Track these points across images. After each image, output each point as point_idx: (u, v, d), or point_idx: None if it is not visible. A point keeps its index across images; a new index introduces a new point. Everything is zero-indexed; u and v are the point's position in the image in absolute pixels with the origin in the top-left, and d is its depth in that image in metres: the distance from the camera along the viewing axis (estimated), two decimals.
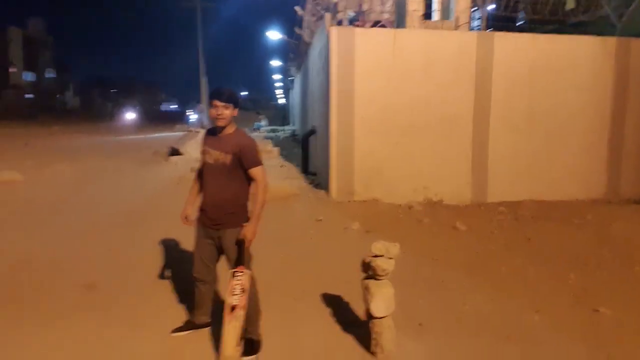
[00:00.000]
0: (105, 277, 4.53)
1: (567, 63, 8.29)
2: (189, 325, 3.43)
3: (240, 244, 3.04)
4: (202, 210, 3.20)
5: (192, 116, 34.11)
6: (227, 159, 3.03)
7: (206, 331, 3.43)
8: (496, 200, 8.13)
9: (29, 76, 53.91)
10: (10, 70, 49.93)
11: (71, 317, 3.64)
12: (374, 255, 3.16)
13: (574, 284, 4.70)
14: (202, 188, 3.22)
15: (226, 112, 3.01)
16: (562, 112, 8.34)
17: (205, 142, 3.20)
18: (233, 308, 2.95)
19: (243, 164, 3.04)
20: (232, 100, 3.04)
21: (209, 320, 3.42)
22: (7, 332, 3.37)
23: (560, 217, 7.28)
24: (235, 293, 2.97)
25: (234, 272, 3.03)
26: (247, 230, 3.03)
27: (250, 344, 3.19)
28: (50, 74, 59.20)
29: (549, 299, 4.30)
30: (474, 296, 4.35)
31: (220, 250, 3.21)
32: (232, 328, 2.92)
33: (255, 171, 3.05)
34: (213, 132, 3.18)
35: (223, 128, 3.08)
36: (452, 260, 5.38)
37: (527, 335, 3.60)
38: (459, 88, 8.11)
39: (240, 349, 3.00)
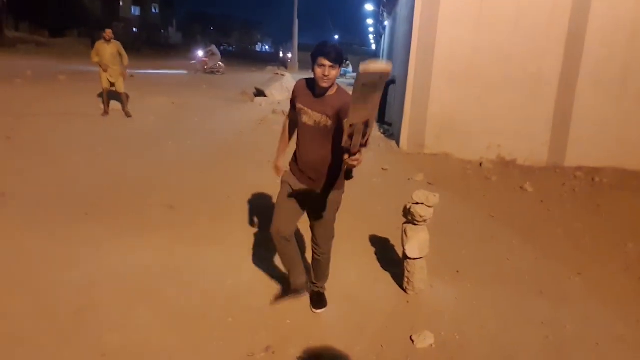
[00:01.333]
0: (186, 199, 5.20)
1: None
2: (287, 292, 3.28)
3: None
4: (297, 166, 3.00)
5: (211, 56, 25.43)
6: (329, 122, 2.78)
7: (262, 249, 3.94)
8: (574, 164, 7.84)
9: (136, 10, 57.11)
10: (120, 3, 53.16)
11: (154, 231, 4.30)
12: (414, 202, 3.41)
13: (630, 253, 4.64)
14: (298, 145, 2.97)
15: (333, 72, 2.73)
16: None
17: (302, 100, 2.89)
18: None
19: (342, 121, 2.70)
20: (340, 60, 2.74)
21: (306, 279, 3.20)
22: (110, 240, 4.09)
23: None
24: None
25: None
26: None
27: (320, 297, 3.27)
28: (155, 9, 62.25)
29: (596, 265, 4.33)
30: (520, 253, 4.48)
31: (308, 208, 3.04)
32: None
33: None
34: (310, 87, 2.88)
35: (326, 89, 2.80)
36: (509, 219, 5.46)
37: (560, 293, 3.73)
38: (548, 43, 7.71)
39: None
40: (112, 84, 9.69)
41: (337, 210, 3.07)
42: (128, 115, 9.84)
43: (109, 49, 9.52)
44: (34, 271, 3.48)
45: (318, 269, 3.25)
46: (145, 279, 3.47)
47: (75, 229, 4.21)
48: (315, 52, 2.74)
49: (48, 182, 5.44)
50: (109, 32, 9.53)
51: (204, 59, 24.67)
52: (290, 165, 3.10)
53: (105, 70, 9.55)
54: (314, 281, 3.29)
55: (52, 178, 5.58)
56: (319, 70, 2.73)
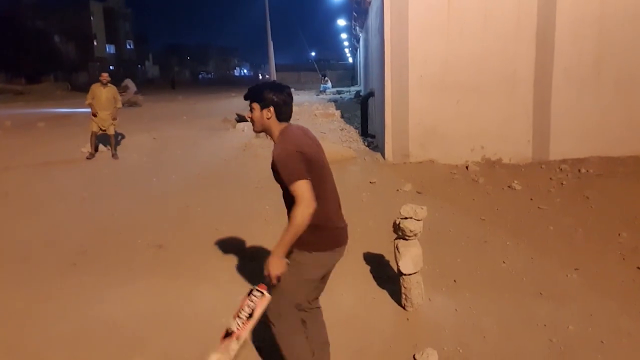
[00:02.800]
0: (175, 236, 5.11)
1: None
2: None
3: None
4: None
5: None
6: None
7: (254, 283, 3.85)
8: (559, 157, 7.88)
9: (111, 48, 57.30)
10: (94, 43, 53.31)
11: (144, 276, 4.20)
12: (403, 217, 3.38)
13: (624, 243, 4.63)
14: None
15: (253, 114, 2.43)
16: (634, 62, 7.79)
17: None
18: (228, 334, 2.32)
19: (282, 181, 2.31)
20: (255, 97, 2.41)
21: None
22: (99, 290, 4.00)
23: (627, 174, 6.97)
24: (241, 315, 2.31)
25: (252, 289, 2.37)
26: (269, 263, 2.27)
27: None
28: (129, 45, 62.52)
29: (592, 258, 4.31)
30: (514, 255, 4.45)
31: None
32: None
33: (292, 189, 2.24)
34: None
35: (272, 137, 2.45)
36: (500, 220, 5.45)
37: (559, 292, 3.70)
38: (519, 41, 7.81)
39: None
40: (103, 129, 9.56)
41: (295, 281, 2.37)
42: (115, 157, 9.66)
43: (105, 93, 9.41)
44: (22, 329, 3.37)
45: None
46: (138, 327, 3.37)
47: (63, 281, 4.10)
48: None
49: (34, 234, 5.33)
50: (105, 76, 9.44)
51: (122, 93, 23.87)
52: None
53: (95, 115, 9.39)
54: None
55: (38, 230, 5.47)
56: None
